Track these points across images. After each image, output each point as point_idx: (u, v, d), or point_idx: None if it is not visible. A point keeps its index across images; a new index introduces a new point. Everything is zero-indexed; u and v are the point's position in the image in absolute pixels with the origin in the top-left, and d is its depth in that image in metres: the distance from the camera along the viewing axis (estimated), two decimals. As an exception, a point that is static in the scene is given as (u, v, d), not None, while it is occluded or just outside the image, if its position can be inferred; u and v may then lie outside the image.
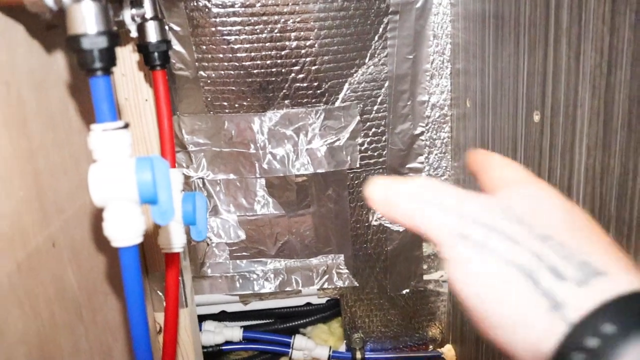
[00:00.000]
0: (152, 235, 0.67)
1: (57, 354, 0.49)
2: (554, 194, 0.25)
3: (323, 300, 0.94)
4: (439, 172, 0.86)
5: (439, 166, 0.86)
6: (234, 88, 0.77)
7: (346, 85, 0.79)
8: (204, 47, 0.74)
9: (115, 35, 0.39)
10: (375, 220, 0.86)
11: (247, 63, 0.76)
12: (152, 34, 0.58)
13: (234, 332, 0.93)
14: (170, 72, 0.75)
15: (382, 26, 0.77)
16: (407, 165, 0.85)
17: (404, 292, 0.91)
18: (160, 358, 0.66)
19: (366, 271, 0.89)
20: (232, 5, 0.73)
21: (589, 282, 0.20)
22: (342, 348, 0.96)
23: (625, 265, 0.21)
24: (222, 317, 0.95)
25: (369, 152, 0.83)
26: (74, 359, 0.52)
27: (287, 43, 0.75)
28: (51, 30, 0.50)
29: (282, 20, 0.74)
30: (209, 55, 0.75)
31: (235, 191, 0.83)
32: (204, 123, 0.79)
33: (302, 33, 0.75)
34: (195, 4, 0.72)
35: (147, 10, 0.57)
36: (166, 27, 0.62)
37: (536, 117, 0.56)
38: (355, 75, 0.79)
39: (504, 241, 0.22)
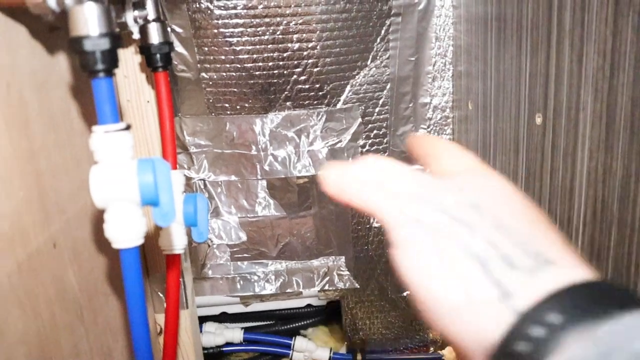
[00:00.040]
0: (153, 236, 0.67)
1: (57, 355, 0.49)
2: (507, 185, 0.25)
3: (324, 302, 0.94)
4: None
5: (440, 168, 0.85)
6: (235, 90, 0.77)
7: (348, 87, 0.79)
8: (206, 48, 0.74)
9: (118, 37, 0.39)
10: (376, 222, 0.86)
11: (249, 65, 0.76)
12: (155, 36, 0.58)
13: (234, 333, 0.93)
14: (173, 73, 0.75)
15: (384, 28, 0.77)
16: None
17: (405, 294, 0.91)
18: (161, 359, 0.66)
19: (367, 273, 0.89)
20: (235, 7, 0.73)
21: (539, 272, 0.20)
22: (343, 350, 0.96)
23: (573, 258, 0.21)
24: (223, 318, 0.95)
25: (371, 154, 0.83)
26: (75, 359, 0.52)
27: (289, 45, 0.75)
28: (53, 32, 0.50)
29: (284, 22, 0.74)
30: (211, 57, 0.75)
31: (237, 193, 0.83)
32: (205, 124, 0.79)
33: (304, 35, 0.75)
34: (197, 5, 0.72)
35: (150, 12, 0.57)
36: (168, 29, 0.62)
37: (538, 120, 0.56)
38: (357, 77, 0.79)
39: (459, 227, 0.22)
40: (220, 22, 0.73)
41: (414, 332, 0.94)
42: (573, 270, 0.20)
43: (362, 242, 0.87)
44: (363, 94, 0.80)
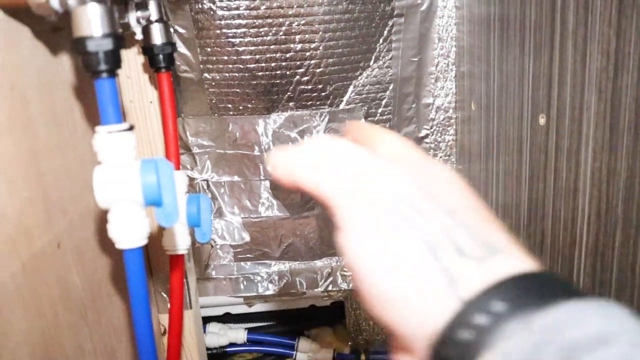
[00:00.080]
0: (157, 237, 0.67)
1: (61, 355, 0.49)
2: (453, 173, 0.24)
3: (327, 303, 0.94)
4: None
5: (443, 169, 0.85)
6: (238, 90, 0.77)
7: (351, 88, 0.79)
8: (209, 49, 0.75)
9: (121, 38, 0.39)
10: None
11: (252, 65, 0.76)
12: (157, 37, 0.58)
13: (238, 334, 0.93)
14: (175, 74, 0.75)
15: (387, 29, 0.77)
16: (412, 168, 0.84)
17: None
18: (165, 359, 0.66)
19: (370, 274, 0.89)
20: (237, 8, 0.73)
21: (486, 261, 0.20)
22: (347, 351, 0.96)
23: (518, 248, 0.21)
24: (227, 319, 0.95)
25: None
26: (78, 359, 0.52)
27: (291, 45, 0.75)
28: (56, 33, 0.50)
29: (287, 22, 0.74)
30: (214, 58, 0.75)
31: (240, 193, 0.83)
32: (208, 125, 0.79)
33: (306, 36, 0.75)
34: (200, 6, 0.72)
35: (153, 12, 0.57)
36: (171, 30, 0.62)
37: (542, 120, 0.55)
38: (359, 77, 0.79)
39: (410, 211, 0.21)
40: (222, 22, 0.73)
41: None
42: (519, 260, 0.20)
43: (365, 242, 0.87)
44: (366, 95, 0.80)
